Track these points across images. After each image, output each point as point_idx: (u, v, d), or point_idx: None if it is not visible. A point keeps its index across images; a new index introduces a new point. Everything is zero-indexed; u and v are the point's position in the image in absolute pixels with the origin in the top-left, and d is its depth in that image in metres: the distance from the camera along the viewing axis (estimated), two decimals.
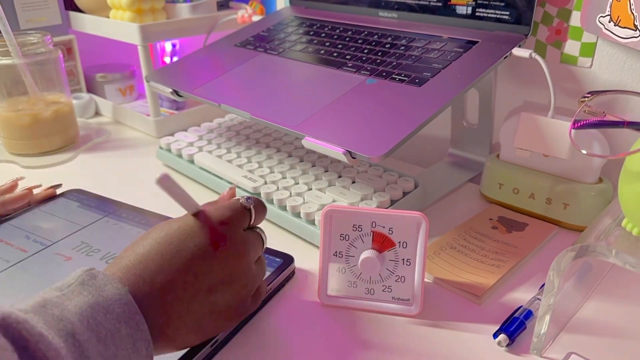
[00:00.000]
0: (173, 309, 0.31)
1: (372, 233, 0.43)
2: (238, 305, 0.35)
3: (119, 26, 0.77)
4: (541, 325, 0.38)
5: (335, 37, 0.67)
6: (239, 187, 0.59)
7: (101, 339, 0.27)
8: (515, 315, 0.41)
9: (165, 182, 0.32)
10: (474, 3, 0.58)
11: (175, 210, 0.57)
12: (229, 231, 0.35)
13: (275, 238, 0.54)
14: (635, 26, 0.48)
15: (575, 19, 0.55)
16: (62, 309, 0.27)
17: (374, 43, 0.63)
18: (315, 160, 0.61)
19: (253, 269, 0.36)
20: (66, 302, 0.28)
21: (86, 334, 0.27)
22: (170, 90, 0.64)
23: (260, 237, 0.38)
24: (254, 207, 0.38)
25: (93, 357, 0.27)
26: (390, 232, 0.42)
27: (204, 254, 0.33)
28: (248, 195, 0.38)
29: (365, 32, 0.65)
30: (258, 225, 0.40)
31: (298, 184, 0.57)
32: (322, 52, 0.64)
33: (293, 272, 0.48)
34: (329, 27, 0.69)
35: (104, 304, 0.28)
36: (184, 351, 0.38)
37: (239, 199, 0.37)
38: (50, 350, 0.25)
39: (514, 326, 0.40)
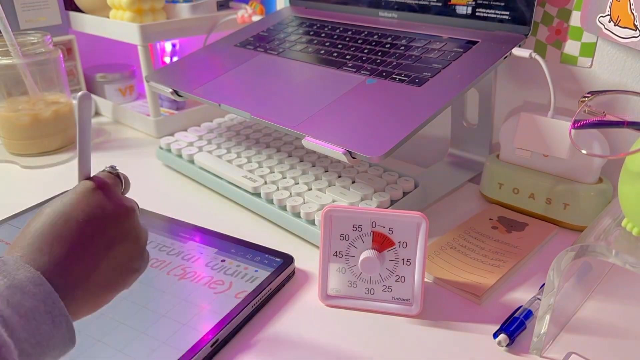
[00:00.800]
0: (78, 271, 0.33)
1: (372, 233, 0.43)
2: (137, 258, 0.37)
3: (119, 26, 0.77)
4: (541, 325, 0.38)
5: (335, 37, 0.67)
6: (239, 187, 0.59)
7: (22, 315, 0.28)
8: (515, 315, 0.41)
9: (84, 103, 0.34)
10: (474, 3, 0.58)
11: (178, 212, 0.57)
12: (112, 194, 0.37)
13: (275, 238, 0.54)
14: (635, 26, 0.48)
15: (575, 19, 0.55)
16: None
17: (374, 43, 0.63)
18: (315, 160, 0.61)
19: (141, 225, 0.38)
20: None
21: (7, 310, 0.28)
22: (170, 90, 0.64)
23: (134, 201, 0.40)
24: (121, 176, 0.40)
25: (17, 331, 0.28)
26: (390, 232, 0.42)
27: (95, 216, 0.34)
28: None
29: (365, 32, 0.65)
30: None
31: (298, 184, 0.57)
32: (322, 52, 0.64)
33: (293, 272, 0.48)
34: (329, 27, 0.69)
35: (20, 286, 0.29)
36: (183, 351, 0.38)
37: (103, 170, 0.39)
38: None
39: (514, 326, 0.40)
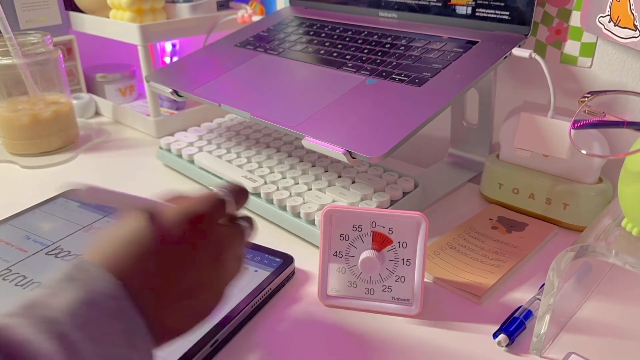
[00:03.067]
0: (154, 309, 0.30)
1: (372, 233, 0.43)
2: (215, 305, 0.34)
3: (119, 26, 0.77)
4: (541, 325, 0.38)
5: (335, 37, 0.67)
6: None
7: (95, 337, 0.26)
8: (515, 315, 0.41)
9: (91, 194, 0.30)
10: (473, 3, 0.58)
11: None
12: (199, 233, 0.32)
13: (275, 238, 0.54)
14: (635, 26, 0.48)
15: (575, 19, 0.55)
16: (51, 309, 0.26)
17: (373, 43, 0.63)
18: (315, 160, 0.61)
19: (228, 268, 0.34)
20: (55, 300, 0.26)
21: (78, 334, 0.25)
22: (170, 90, 0.64)
23: (239, 231, 0.35)
24: (232, 194, 0.34)
25: (87, 357, 0.25)
26: (390, 232, 0.42)
27: (178, 259, 0.30)
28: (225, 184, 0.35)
29: (365, 32, 0.65)
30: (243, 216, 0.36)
31: (298, 184, 0.57)
32: (322, 52, 0.64)
33: (293, 272, 0.48)
34: (329, 27, 0.69)
35: (96, 300, 0.27)
36: (183, 351, 0.38)
37: (209, 192, 0.34)
38: (40, 356, 0.24)
39: (514, 326, 0.40)
